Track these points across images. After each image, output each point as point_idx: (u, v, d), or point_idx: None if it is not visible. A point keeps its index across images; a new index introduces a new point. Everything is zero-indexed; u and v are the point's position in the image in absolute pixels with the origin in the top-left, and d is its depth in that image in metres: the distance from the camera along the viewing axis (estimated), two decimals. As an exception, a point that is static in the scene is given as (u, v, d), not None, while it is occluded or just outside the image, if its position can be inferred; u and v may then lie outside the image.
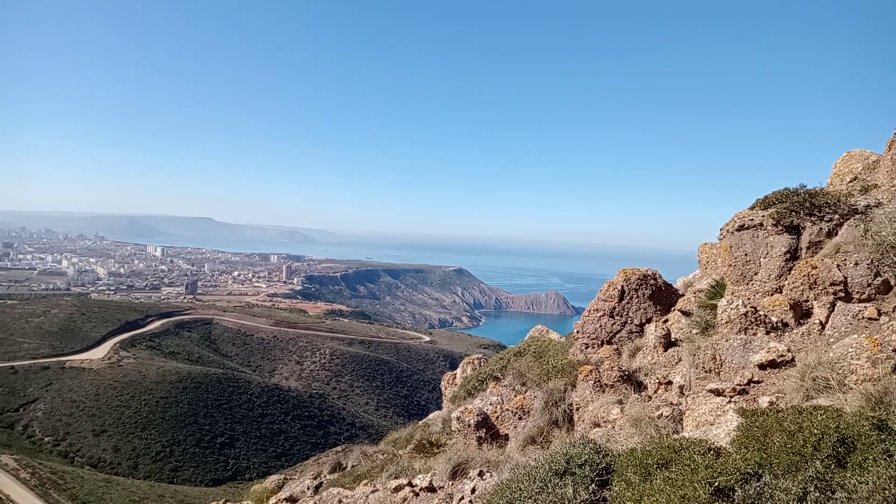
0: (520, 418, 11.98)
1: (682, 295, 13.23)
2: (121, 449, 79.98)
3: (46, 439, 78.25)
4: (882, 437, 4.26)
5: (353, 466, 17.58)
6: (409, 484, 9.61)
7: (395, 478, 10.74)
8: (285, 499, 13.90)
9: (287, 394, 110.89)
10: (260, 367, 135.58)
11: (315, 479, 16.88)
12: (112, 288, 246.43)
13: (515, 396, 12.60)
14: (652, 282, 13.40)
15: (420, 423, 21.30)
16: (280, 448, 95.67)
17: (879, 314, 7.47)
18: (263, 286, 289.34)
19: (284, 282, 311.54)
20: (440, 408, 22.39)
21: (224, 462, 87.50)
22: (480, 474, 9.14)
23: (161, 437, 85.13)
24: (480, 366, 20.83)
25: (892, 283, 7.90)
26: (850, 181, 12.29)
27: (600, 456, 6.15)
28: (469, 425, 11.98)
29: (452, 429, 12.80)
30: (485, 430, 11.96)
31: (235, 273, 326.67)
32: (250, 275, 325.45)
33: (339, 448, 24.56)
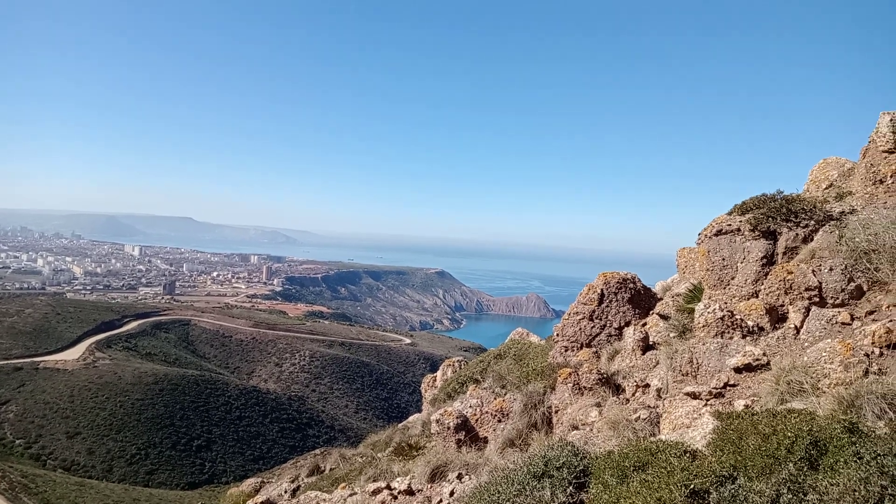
0: (499, 421, 12.00)
1: (661, 299, 13.34)
2: (95, 451, 78.68)
3: (18, 442, 76.71)
4: (853, 439, 4.32)
5: (331, 469, 17.48)
6: (388, 487, 9.56)
7: (374, 481, 10.69)
8: (262, 502, 13.77)
9: (265, 396, 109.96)
10: (238, 369, 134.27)
11: (292, 482, 16.75)
12: (88, 287, 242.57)
13: (495, 399, 12.62)
14: (631, 285, 13.51)
15: (399, 425, 21.23)
16: (257, 451, 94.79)
17: (852, 319, 7.59)
18: (243, 287, 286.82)
19: (264, 283, 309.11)
20: (420, 410, 22.35)
21: (200, 465, 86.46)
22: (459, 477, 9.13)
23: (136, 439, 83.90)
24: (461, 368, 20.82)
25: (865, 289, 8.04)
26: (826, 188, 12.50)
27: (578, 458, 6.17)
28: (448, 428, 11.97)
29: (432, 431, 12.78)
30: (464, 433, 11.96)
31: (214, 273, 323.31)
32: (230, 275, 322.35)
33: (317, 451, 24.36)
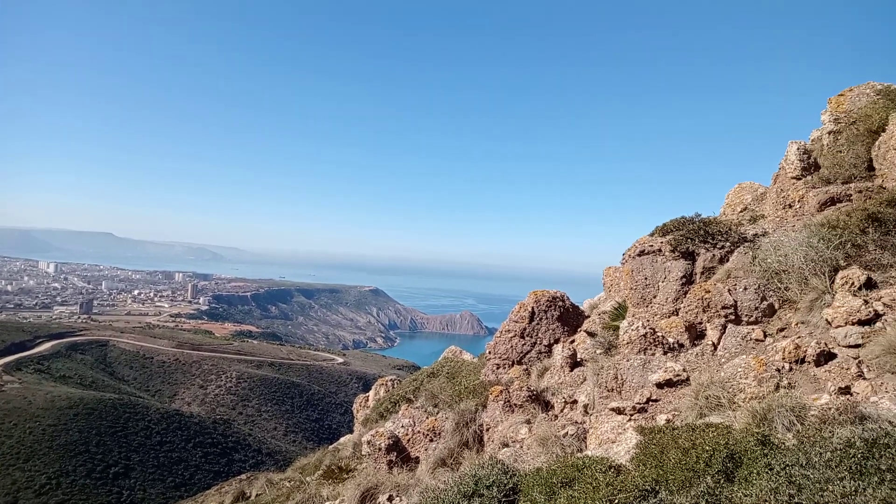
0: (431, 440, 11.93)
1: (588, 316, 13.68)
2: (-2, 483, 73.20)
3: None
4: (765, 451, 4.53)
5: (257, 495, 16.91)
6: (316, 511, 9.32)
7: (302, 505, 10.41)
8: (183, 531, 13.17)
9: (189, 420, 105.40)
10: (160, 392, 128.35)
11: (216, 509, 16.10)
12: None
13: (427, 418, 12.56)
14: (560, 303, 13.80)
15: (330, 447, 20.82)
16: (179, 477, 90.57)
17: (765, 336, 8.01)
18: (166, 306, 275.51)
19: (189, 301, 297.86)
20: (352, 431, 21.98)
21: (118, 493, 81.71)
22: (390, 499, 9.00)
23: (47, 468, 78.50)
24: (394, 387, 20.64)
25: (777, 307, 8.50)
26: (741, 211, 13.22)
27: (508, 476, 6.20)
28: (379, 449, 11.81)
29: (363, 453, 12.57)
30: (395, 454, 11.82)
31: (136, 292, 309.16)
32: (152, 294, 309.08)
33: (243, 476, 23.52)
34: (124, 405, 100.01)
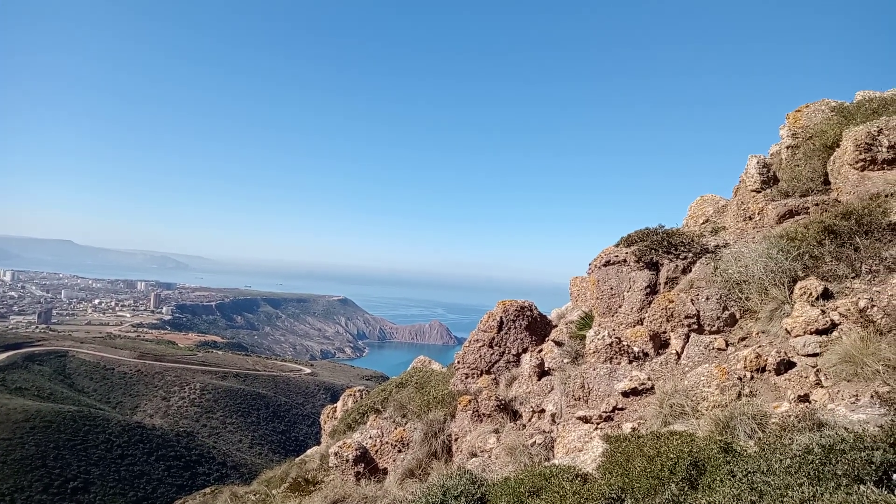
0: (399, 451, 11.87)
1: (556, 326, 13.79)
2: (-53, 501, 70.42)
3: None
4: (728, 458, 4.63)
5: (222, 509, 16.56)
6: (282, 525, 9.19)
7: (267, 519, 10.24)
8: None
9: (151, 432, 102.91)
10: (121, 404, 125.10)
11: (179, 524, 15.73)
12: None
13: (396, 429, 12.49)
14: (528, 313, 13.89)
15: (297, 459, 20.53)
16: (141, 492, 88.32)
17: (727, 345, 8.18)
18: (128, 315, 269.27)
19: (152, 311, 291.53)
20: (319, 443, 21.73)
21: (77, 509, 79.40)
22: (357, 511, 8.92)
23: (1, 484, 75.84)
24: (362, 398, 20.48)
25: (738, 317, 8.69)
26: (703, 223, 13.50)
27: (476, 486, 6.21)
28: (347, 460, 11.70)
29: (330, 465, 12.44)
30: (363, 465, 11.73)
31: (96, 301, 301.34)
32: (113, 303, 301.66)
33: (207, 490, 23.03)
34: (84, 417, 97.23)
